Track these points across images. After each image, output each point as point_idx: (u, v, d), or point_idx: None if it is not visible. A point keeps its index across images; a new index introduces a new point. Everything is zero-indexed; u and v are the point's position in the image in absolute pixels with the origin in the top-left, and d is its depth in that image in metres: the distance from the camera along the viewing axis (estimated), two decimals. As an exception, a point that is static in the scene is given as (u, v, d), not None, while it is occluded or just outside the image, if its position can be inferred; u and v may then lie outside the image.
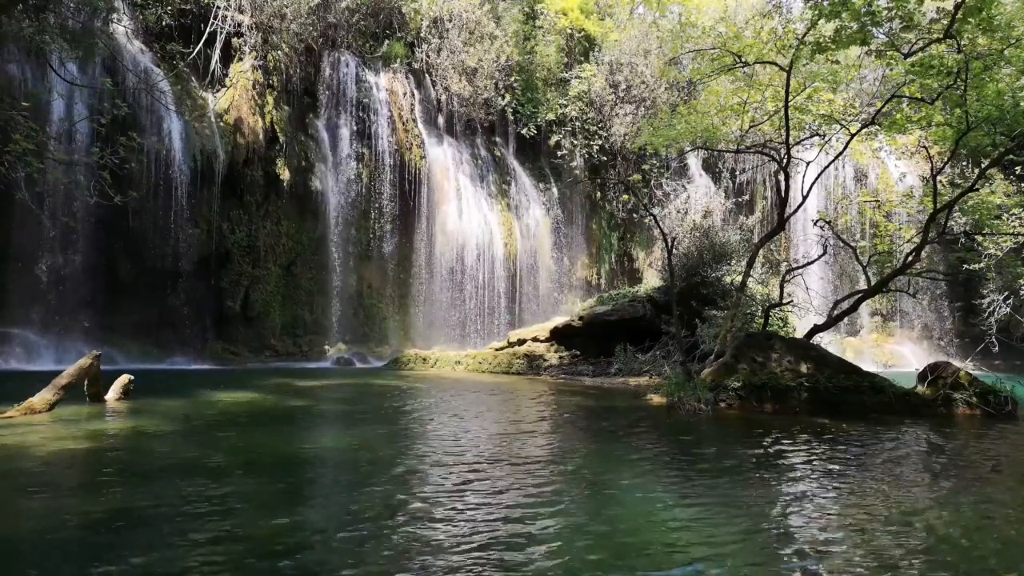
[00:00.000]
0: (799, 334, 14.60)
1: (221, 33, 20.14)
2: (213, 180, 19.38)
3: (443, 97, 25.06)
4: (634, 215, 26.72)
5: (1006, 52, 10.50)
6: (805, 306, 15.21)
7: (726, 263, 18.22)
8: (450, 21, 24.88)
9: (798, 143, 13.66)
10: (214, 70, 20.35)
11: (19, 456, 5.85)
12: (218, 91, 20.38)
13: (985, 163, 12.49)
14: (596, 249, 28.00)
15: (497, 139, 26.82)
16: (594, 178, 27.68)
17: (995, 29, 10.22)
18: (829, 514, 4.58)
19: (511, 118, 26.31)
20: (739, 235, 19.92)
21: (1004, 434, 8.35)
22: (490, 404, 10.98)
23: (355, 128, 22.80)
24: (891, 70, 13.00)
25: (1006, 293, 19.92)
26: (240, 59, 20.72)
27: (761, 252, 15.72)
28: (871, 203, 25.04)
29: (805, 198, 13.72)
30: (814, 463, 6.35)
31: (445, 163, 24.44)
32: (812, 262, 14.82)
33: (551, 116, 26.42)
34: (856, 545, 3.94)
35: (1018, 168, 18.92)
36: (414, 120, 24.08)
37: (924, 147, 14.26)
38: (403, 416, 9.40)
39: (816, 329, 12.47)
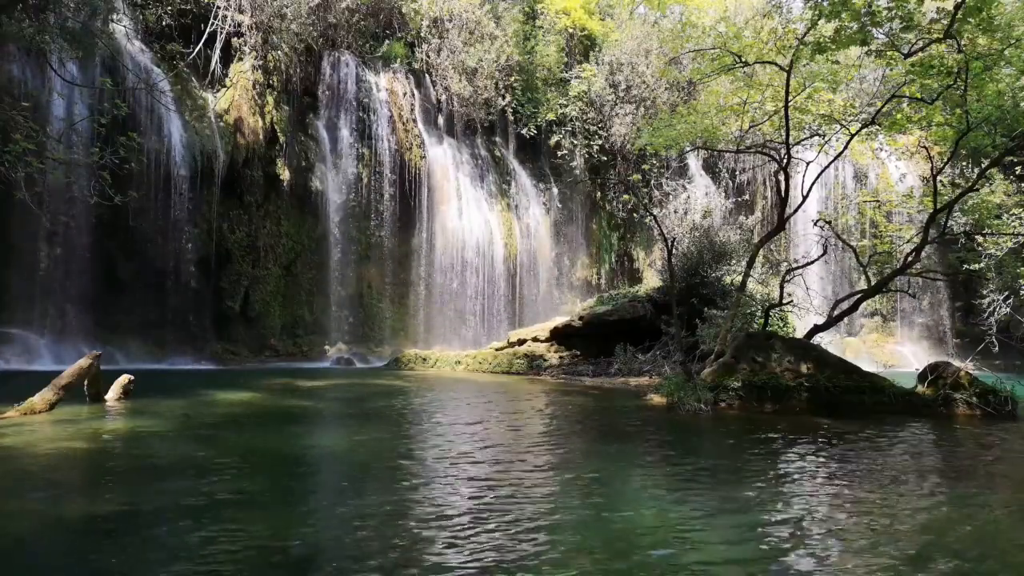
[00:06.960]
0: (799, 334, 14.60)
1: (221, 33, 20.13)
2: (213, 180, 19.36)
3: (443, 97, 25.05)
4: (634, 215, 26.70)
5: (1006, 52, 10.51)
6: (805, 306, 15.21)
7: (726, 263, 18.21)
8: (450, 21, 24.86)
9: (798, 143, 13.66)
10: (214, 70, 20.34)
11: (19, 456, 5.85)
12: (218, 91, 20.37)
13: (985, 163, 12.49)
14: (596, 249, 27.99)
15: (497, 139, 26.80)
16: (594, 178, 27.67)
17: (995, 29, 10.24)
18: (830, 514, 4.58)
19: (511, 118, 26.29)
20: (739, 235, 19.90)
21: (1004, 434, 8.34)
22: (490, 404, 10.97)
23: (355, 128, 22.80)
24: (891, 70, 13.01)
25: (1006, 293, 19.91)
26: (240, 59, 20.72)
27: (761, 252, 15.71)
28: (871, 203, 25.04)
29: (805, 198, 13.72)
30: (814, 463, 6.35)
31: (445, 163, 24.43)
32: (812, 262, 14.81)
33: (551, 116, 26.40)
34: (856, 545, 3.94)
35: (1018, 168, 18.92)
36: (414, 120, 24.07)
37: (924, 147, 14.25)
38: (403, 416, 9.40)
39: (816, 329, 12.47)
